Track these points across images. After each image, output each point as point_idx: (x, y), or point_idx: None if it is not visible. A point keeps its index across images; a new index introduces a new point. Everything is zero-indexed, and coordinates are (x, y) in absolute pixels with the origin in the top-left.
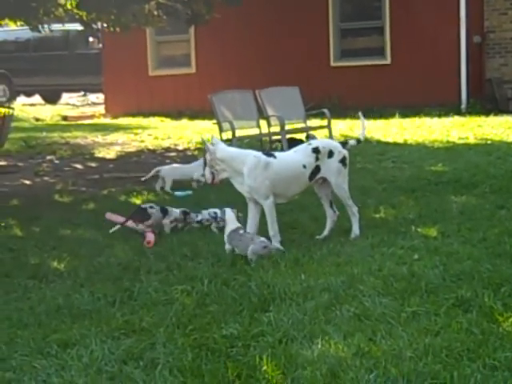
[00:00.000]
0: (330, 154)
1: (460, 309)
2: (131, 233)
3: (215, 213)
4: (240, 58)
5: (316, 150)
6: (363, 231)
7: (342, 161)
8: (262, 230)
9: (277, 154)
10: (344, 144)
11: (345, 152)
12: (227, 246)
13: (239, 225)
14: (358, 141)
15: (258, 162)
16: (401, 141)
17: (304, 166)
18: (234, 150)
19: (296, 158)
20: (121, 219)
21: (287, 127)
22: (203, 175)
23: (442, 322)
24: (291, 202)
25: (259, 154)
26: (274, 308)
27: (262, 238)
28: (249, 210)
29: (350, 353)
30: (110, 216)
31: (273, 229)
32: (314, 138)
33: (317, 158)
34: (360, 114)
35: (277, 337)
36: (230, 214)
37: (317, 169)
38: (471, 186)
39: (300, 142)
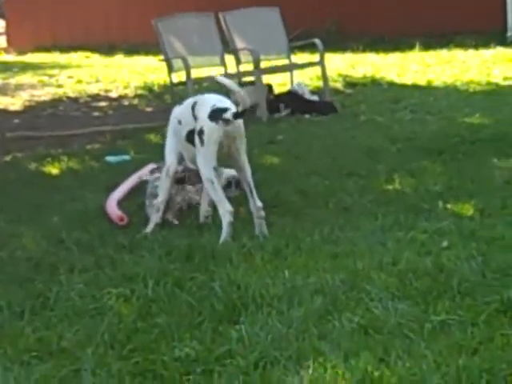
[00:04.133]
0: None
1: (506, 316)
2: (47, 214)
3: None
4: None
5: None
6: (370, 209)
7: (199, 134)
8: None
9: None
10: (220, 111)
11: (204, 124)
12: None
13: None
14: (237, 114)
15: None
16: (423, 82)
17: (179, 122)
18: None
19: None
20: None
21: (264, 65)
22: None
23: (482, 335)
24: (269, 171)
25: None
26: (246, 318)
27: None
28: None
29: (354, 380)
30: None
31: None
32: (300, 85)
33: (195, 118)
34: (218, 78)
35: (251, 359)
36: None
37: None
38: None
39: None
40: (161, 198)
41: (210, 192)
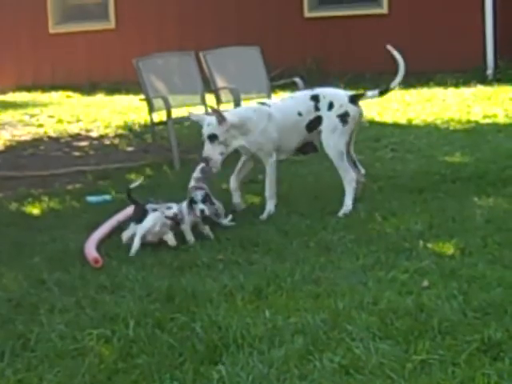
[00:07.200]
0: (330, 105)
1: (487, 355)
2: (28, 254)
3: None
4: (179, 7)
5: (315, 98)
6: (352, 248)
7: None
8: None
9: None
10: (356, 97)
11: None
12: None
13: None
14: (382, 92)
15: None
16: (403, 121)
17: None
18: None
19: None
20: None
21: (244, 104)
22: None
23: (463, 375)
24: (250, 210)
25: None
26: (227, 359)
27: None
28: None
29: None
30: None
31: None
32: None
33: (316, 108)
34: (390, 48)
35: None
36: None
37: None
38: (501, 183)
39: None
40: (272, 191)
41: (337, 162)
